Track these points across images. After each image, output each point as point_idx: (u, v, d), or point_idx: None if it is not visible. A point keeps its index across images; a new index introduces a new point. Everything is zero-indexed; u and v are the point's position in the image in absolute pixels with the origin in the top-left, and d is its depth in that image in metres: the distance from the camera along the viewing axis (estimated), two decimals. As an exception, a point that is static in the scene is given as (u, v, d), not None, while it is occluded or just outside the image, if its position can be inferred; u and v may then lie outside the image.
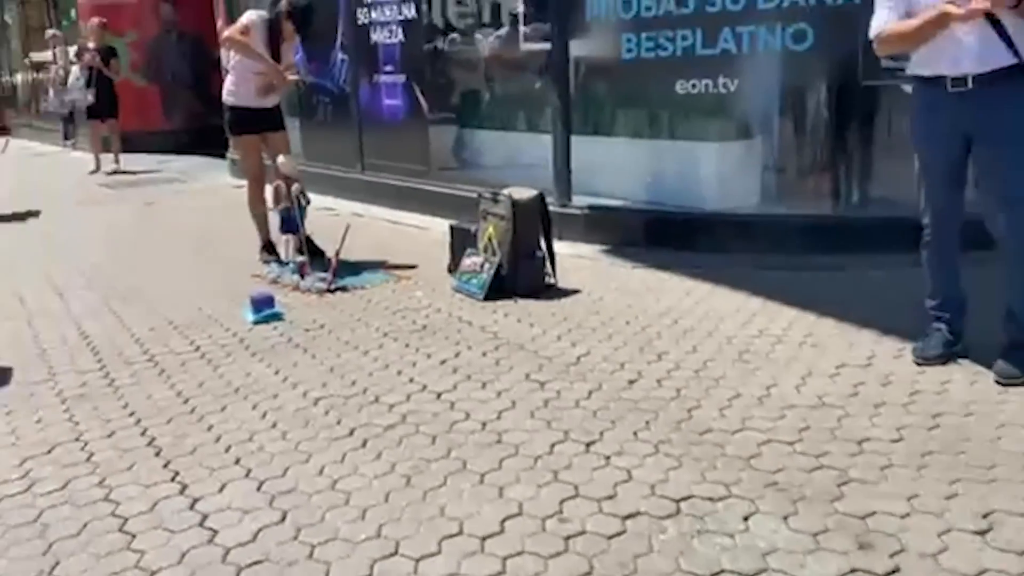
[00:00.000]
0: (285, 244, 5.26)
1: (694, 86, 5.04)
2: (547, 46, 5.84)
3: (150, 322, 4.24)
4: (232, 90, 5.30)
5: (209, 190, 9.25)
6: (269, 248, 5.47)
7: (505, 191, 4.43)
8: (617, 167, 5.64)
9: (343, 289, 4.68)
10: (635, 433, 2.77)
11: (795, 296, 4.10)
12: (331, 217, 6.76)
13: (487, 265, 4.36)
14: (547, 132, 5.91)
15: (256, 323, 4.10)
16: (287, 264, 5.16)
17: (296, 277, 4.86)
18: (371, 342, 3.79)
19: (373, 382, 3.32)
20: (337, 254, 4.75)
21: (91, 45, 10.83)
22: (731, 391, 3.08)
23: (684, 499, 2.36)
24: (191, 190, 9.38)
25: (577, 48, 5.57)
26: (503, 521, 2.28)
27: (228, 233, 6.57)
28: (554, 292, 4.41)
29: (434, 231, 6.19)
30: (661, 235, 5.23)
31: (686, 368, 3.32)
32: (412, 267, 5.15)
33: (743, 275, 4.52)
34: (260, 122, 5.35)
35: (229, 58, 5.30)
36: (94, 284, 5.15)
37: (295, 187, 5.11)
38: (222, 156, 10.52)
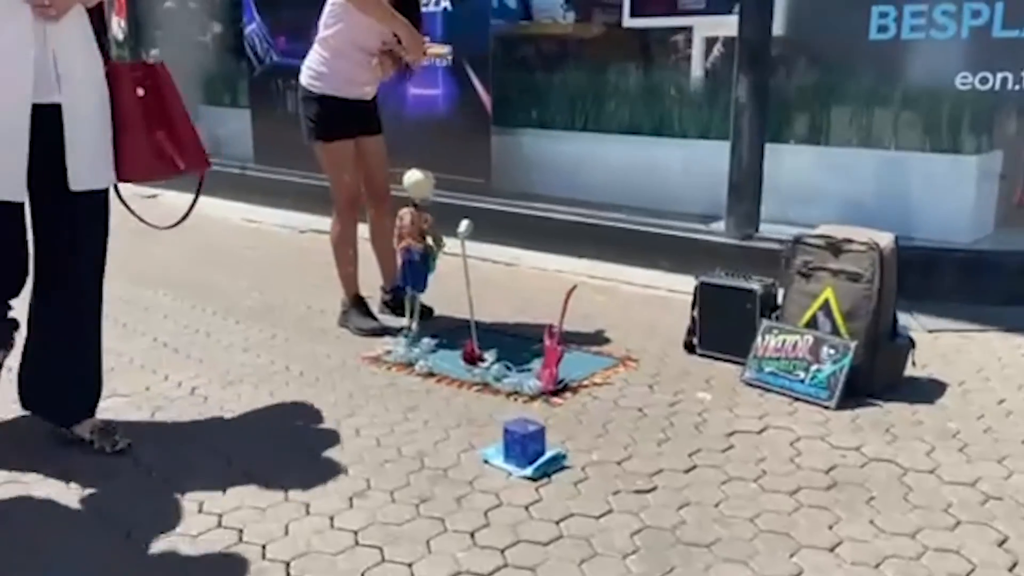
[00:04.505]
0: (410, 304, 3.44)
1: (984, 80, 3.71)
2: (660, 22, 4.45)
3: (387, 478, 2.35)
4: (322, 72, 3.38)
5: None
6: (361, 307, 3.62)
7: (859, 234, 2.86)
8: (825, 184, 4.23)
9: (567, 388, 2.98)
10: None
11: None
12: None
13: (829, 351, 2.81)
14: (691, 138, 4.50)
15: (534, 477, 2.35)
16: (414, 339, 3.34)
17: (467, 368, 3.06)
18: (802, 527, 2.14)
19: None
20: (555, 335, 2.98)
21: None
22: None
23: None
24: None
25: (784, 25, 4.11)
26: None
27: (233, 281, 4.53)
28: (922, 388, 2.91)
29: (524, 267, 4.50)
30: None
31: None
32: (599, 337, 3.50)
33: None
34: (355, 120, 3.49)
35: (323, 24, 3.40)
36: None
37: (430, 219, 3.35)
38: None
